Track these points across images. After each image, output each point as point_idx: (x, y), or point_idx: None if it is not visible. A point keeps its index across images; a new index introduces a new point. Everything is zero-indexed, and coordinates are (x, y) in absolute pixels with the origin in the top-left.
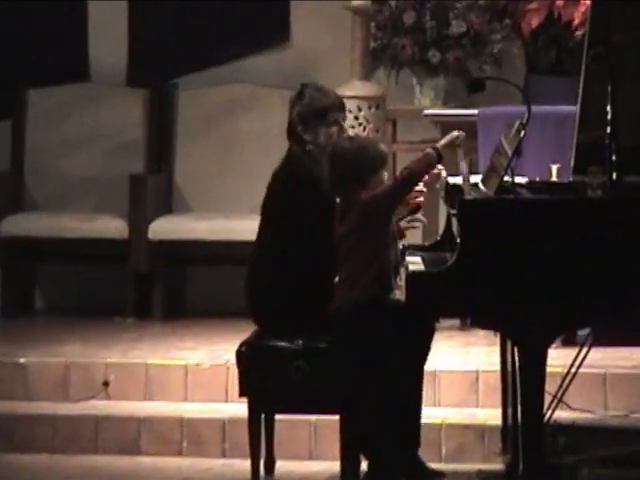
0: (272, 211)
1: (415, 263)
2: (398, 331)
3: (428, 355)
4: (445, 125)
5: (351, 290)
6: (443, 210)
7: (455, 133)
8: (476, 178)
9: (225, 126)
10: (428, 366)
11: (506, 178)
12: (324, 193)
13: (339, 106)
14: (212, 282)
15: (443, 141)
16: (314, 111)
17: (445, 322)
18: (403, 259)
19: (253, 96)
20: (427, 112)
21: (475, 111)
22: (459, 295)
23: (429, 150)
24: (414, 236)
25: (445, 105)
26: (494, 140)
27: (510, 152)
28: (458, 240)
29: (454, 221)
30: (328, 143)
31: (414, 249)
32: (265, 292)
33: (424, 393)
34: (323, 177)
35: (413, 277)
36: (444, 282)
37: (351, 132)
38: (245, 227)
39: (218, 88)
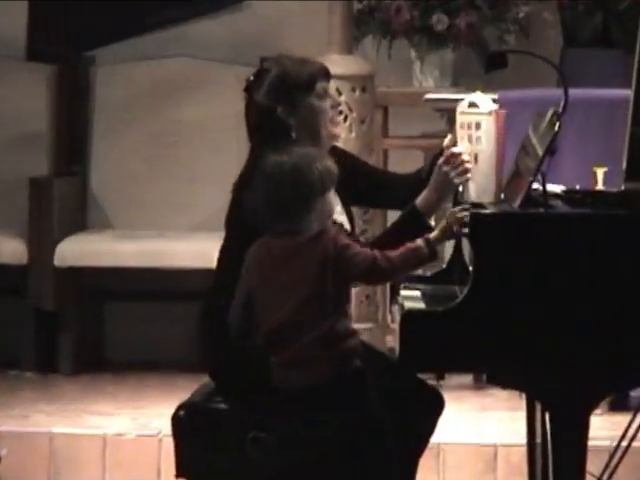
0: (241, 229)
1: (413, 299)
2: (388, 398)
3: (430, 439)
4: (454, 114)
5: (305, 366)
6: None
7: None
8: None
9: (158, 114)
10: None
11: (535, 186)
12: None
13: (326, 74)
14: (139, 324)
15: (437, 231)
16: (295, 80)
17: (453, 379)
18: (397, 293)
19: (196, 74)
20: (429, 96)
21: (494, 96)
22: (471, 342)
23: (420, 243)
24: None
25: (454, 87)
26: (519, 135)
27: (541, 151)
28: (471, 269)
29: (465, 243)
30: (324, 130)
31: (412, 280)
32: (226, 336)
33: (424, 474)
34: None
35: (409, 318)
36: (451, 324)
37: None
38: (185, 250)
39: (149, 63)
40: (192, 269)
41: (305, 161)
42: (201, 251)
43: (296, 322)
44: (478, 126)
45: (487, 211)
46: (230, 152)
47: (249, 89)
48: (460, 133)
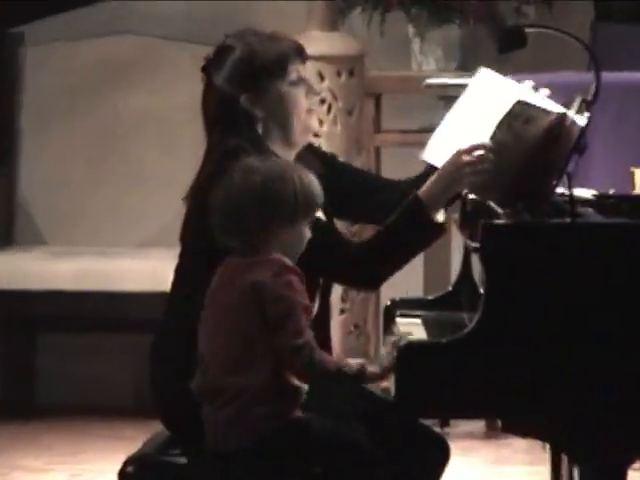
0: (200, 244)
1: (412, 328)
2: (381, 447)
3: None
4: None
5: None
6: (457, 244)
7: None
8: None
9: (101, 104)
10: None
11: (560, 189)
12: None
13: (300, 54)
14: (78, 359)
15: (378, 368)
16: (262, 62)
17: (461, 425)
18: (392, 321)
19: (147, 54)
20: (431, 81)
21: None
22: (483, 381)
23: (353, 365)
24: (411, 283)
25: (461, 71)
26: None
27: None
28: (482, 291)
29: (475, 261)
30: (298, 123)
31: (411, 306)
32: (181, 374)
33: None
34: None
35: (407, 352)
36: (459, 359)
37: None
38: (134, 270)
39: (89, 42)
40: (142, 293)
41: (283, 178)
42: (153, 271)
43: (220, 360)
44: (528, 121)
45: (501, 222)
46: (188, 150)
47: (208, 70)
48: (504, 120)
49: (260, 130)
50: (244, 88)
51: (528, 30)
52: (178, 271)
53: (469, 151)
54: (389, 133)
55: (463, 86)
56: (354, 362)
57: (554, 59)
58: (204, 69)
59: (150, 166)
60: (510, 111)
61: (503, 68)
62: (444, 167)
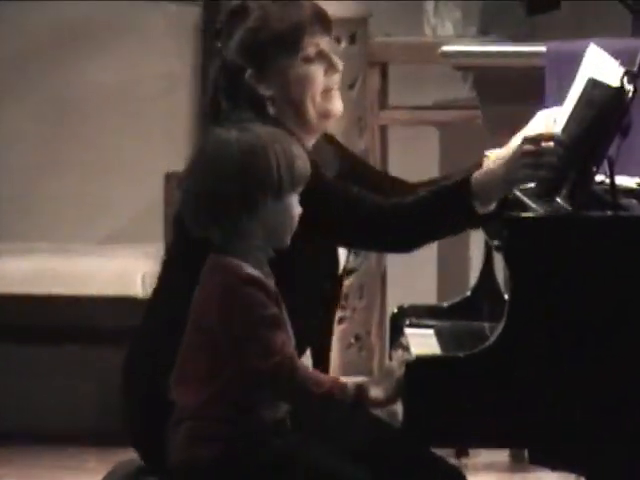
0: (187, 239)
1: (422, 341)
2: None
3: None
4: (480, 76)
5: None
6: (477, 241)
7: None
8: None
9: (58, 76)
10: None
11: (599, 177)
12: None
13: (322, 23)
14: (30, 375)
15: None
16: (272, 33)
17: (482, 455)
18: (400, 332)
19: (111, 15)
20: (447, 49)
21: (541, 48)
22: (507, 403)
23: (350, 386)
24: (423, 287)
25: (482, 37)
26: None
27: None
28: (507, 297)
29: (499, 261)
30: (311, 104)
31: (422, 314)
32: (157, 392)
33: None
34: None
35: (418, 368)
36: (478, 377)
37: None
38: (97, 271)
39: (45, 3)
40: (107, 297)
41: (261, 144)
42: (120, 272)
43: (185, 373)
44: (592, 104)
45: (528, 215)
46: (162, 130)
47: (219, 38)
48: (575, 107)
49: (271, 111)
50: (250, 62)
51: None
52: (163, 271)
53: (534, 140)
54: (397, 110)
55: (485, 54)
56: (352, 382)
57: (590, 23)
58: (217, 35)
59: (116, 149)
60: (580, 97)
61: (533, 34)
62: (503, 154)
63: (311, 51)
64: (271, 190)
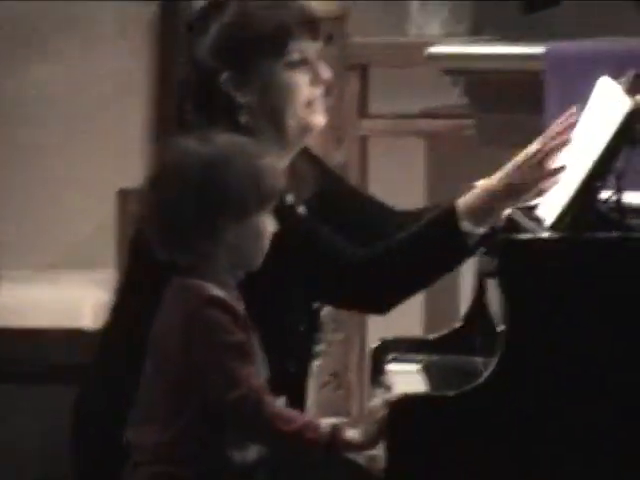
0: (147, 260)
1: (407, 378)
2: None
3: None
4: (472, 80)
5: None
6: (467, 267)
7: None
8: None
9: (1, 75)
10: None
11: (604, 194)
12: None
13: (310, 27)
14: None
15: (362, 427)
16: (255, 33)
17: None
18: (382, 368)
19: (57, 11)
20: (434, 50)
21: (540, 49)
22: (505, 447)
23: (324, 428)
24: (408, 318)
25: (473, 37)
26: (580, 112)
27: (611, 138)
28: (501, 328)
29: (492, 288)
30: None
31: (407, 348)
32: (112, 434)
33: None
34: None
35: (403, 409)
36: (470, 418)
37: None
38: (39, 299)
39: None
40: (52, 331)
41: (221, 158)
42: (67, 303)
43: (145, 409)
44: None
45: (526, 236)
46: (113, 140)
47: (193, 32)
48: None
49: (243, 120)
50: (227, 64)
51: None
52: (118, 299)
53: (549, 151)
54: (379, 118)
55: (477, 57)
56: (326, 422)
57: (598, 21)
58: (189, 28)
59: (62, 161)
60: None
61: (530, 34)
62: (498, 177)
63: (296, 57)
64: (232, 211)
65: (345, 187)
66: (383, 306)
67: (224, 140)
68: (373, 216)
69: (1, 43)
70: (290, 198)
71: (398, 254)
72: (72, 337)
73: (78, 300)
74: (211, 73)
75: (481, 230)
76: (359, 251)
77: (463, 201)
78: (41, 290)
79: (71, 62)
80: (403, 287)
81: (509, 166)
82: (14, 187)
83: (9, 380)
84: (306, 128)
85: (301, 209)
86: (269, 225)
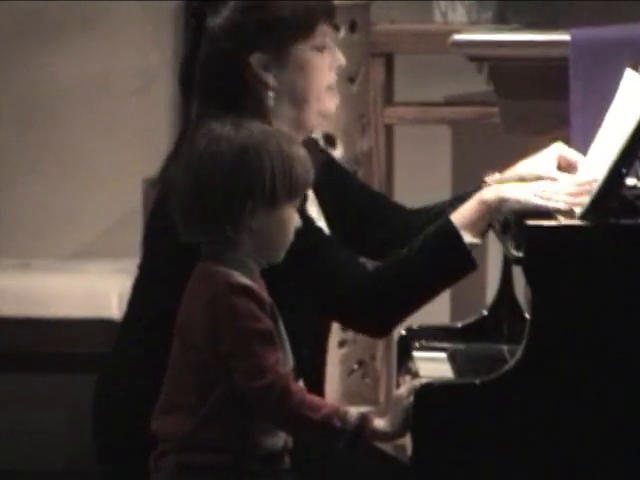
0: (163, 251)
1: (434, 365)
2: None
3: None
4: (497, 67)
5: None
6: (494, 254)
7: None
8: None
9: (18, 67)
10: None
11: (631, 181)
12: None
13: (330, 15)
14: None
15: (390, 416)
16: (290, 15)
17: None
18: (409, 356)
19: (82, 8)
20: (459, 37)
21: (565, 36)
22: (531, 435)
23: (362, 420)
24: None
25: (499, 24)
26: (606, 98)
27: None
28: (528, 315)
29: (519, 275)
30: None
31: (434, 336)
32: (135, 422)
33: None
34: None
35: (428, 396)
36: (498, 406)
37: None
38: (65, 289)
39: None
40: (77, 320)
41: (259, 146)
42: (91, 291)
43: (173, 398)
44: None
45: (552, 223)
46: (137, 131)
47: (200, 14)
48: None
49: (270, 103)
50: (256, 45)
51: None
52: (137, 287)
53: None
54: (404, 106)
55: (502, 44)
56: (354, 410)
57: (621, 7)
58: (196, 12)
59: (86, 153)
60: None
61: (555, 19)
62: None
63: (320, 40)
64: (262, 197)
65: (352, 181)
66: (385, 328)
67: (258, 127)
68: (380, 213)
69: (23, 38)
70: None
71: (403, 274)
72: (98, 327)
73: (104, 289)
74: (236, 55)
75: (479, 241)
76: (362, 269)
77: (459, 215)
78: (68, 279)
79: (95, 55)
80: (407, 308)
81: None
82: (41, 178)
83: (37, 369)
84: (324, 113)
85: (313, 211)
86: (295, 219)
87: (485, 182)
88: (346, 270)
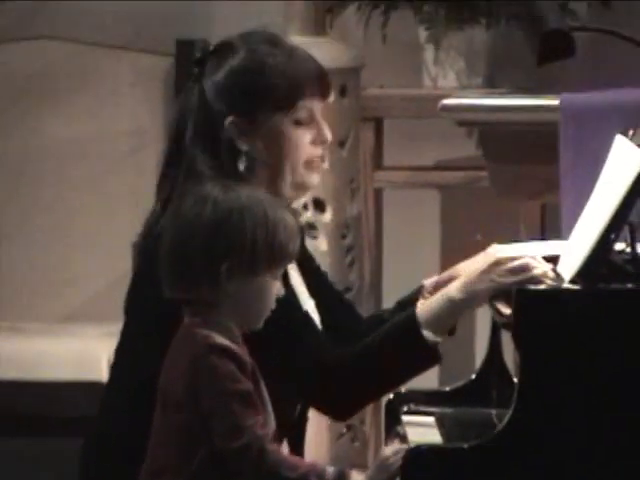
0: (148, 312)
1: (422, 429)
2: None
3: None
4: (487, 132)
5: None
6: (483, 318)
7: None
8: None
9: (10, 128)
10: None
11: (620, 246)
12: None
13: (321, 87)
14: None
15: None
16: (270, 84)
17: None
18: (397, 420)
19: (72, 65)
20: (449, 102)
21: (554, 101)
22: None
23: (341, 475)
24: (425, 374)
25: (488, 89)
26: (596, 162)
27: (627, 189)
28: (516, 380)
29: (507, 339)
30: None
31: (422, 399)
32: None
33: None
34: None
35: (417, 460)
36: (486, 470)
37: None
38: (53, 352)
39: None
40: (65, 383)
41: (243, 210)
42: (79, 355)
43: (155, 458)
44: None
45: (540, 287)
46: (128, 193)
47: (201, 68)
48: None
49: (242, 168)
50: (233, 108)
51: (577, 33)
52: (120, 351)
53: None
54: (394, 170)
55: (491, 108)
56: (332, 467)
57: (612, 72)
58: (198, 62)
59: (78, 214)
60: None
61: (545, 85)
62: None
63: (303, 115)
64: (240, 261)
65: (316, 273)
66: (346, 412)
67: (248, 192)
68: (334, 311)
69: (16, 96)
70: None
71: (367, 362)
72: (87, 390)
73: (93, 352)
74: (216, 114)
75: (440, 339)
76: (328, 352)
77: (425, 309)
78: (56, 342)
79: (87, 115)
80: (368, 397)
81: (474, 275)
82: (30, 239)
83: (24, 434)
84: (301, 186)
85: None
86: (277, 288)
87: (423, 286)
88: (313, 352)
